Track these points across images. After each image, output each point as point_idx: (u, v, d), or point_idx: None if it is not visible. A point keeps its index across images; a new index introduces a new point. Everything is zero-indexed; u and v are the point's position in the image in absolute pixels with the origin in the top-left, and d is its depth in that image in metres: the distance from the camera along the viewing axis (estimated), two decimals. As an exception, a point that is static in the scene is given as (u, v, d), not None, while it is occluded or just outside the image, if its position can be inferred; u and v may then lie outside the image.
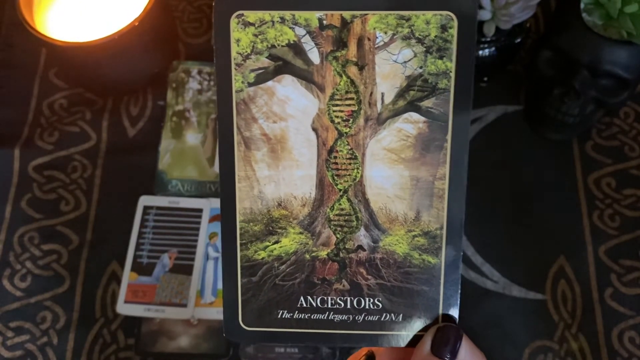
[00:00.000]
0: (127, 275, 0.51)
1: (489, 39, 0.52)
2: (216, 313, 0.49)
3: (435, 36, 0.28)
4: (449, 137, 0.29)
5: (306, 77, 0.29)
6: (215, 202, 0.53)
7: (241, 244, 0.30)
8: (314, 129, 0.29)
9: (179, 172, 0.55)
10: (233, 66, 0.29)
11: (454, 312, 0.30)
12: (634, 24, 0.45)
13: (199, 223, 0.52)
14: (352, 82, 0.29)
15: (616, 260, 0.52)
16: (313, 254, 0.30)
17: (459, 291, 0.30)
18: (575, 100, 0.50)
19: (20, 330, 0.50)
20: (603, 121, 0.57)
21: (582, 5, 0.49)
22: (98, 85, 0.58)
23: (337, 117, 0.29)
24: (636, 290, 0.51)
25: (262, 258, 0.30)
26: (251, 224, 0.30)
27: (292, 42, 0.29)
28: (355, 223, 0.30)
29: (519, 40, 0.54)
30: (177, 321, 0.50)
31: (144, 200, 0.53)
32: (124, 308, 0.50)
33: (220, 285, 0.50)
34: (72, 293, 0.51)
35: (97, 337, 0.50)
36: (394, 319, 0.30)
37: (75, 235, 0.53)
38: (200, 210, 0.53)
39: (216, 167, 0.55)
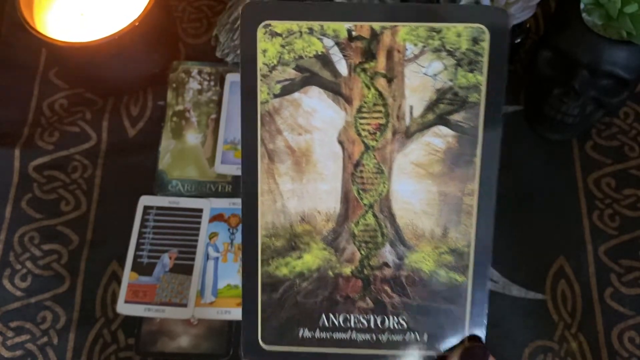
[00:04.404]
0: (128, 275, 0.51)
1: (489, 39, 0.52)
2: (216, 313, 0.49)
3: (466, 49, 0.28)
4: (478, 151, 0.28)
5: (333, 88, 0.29)
6: (215, 202, 0.53)
7: (262, 260, 0.29)
8: (340, 142, 0.29)
9: (179, 172, 0.55)
10: (259, 77, 0.28)
11: (481, 332, 0.29)
12: (634, 24, 0.45)
13: (199, 223, 0.52)
14: (381, 94, 0.29)
15: (616, 260, 0.52)
16: (336, 271, 0.29)
17: (487, 311, 0.29)
18: (575, 100, 0.50)
19: (20, 330, 0.50)
20: (603, 121, 0.57)
21: (582, 6, 0.49)
22: (98, 85, 0.58)
23: (364, 130, 0.29)
24: (636, 290, 0.51)
25: (284, 274, 0.29)
26: (273, 239, 0.29)
27: (319, 53, 0.28)
28: (380, 239, 0.29)
29: (518, 40, 0.54)
30: (177, 321, 0.50)
31: (144, 200, 0.53)
32: (124, 308, 0.50)
33: (220, 285, 0.50)
34: (72, 293, 0.51)
35: (98, 337, 0.50)
36: (418, 338, 0.29)
37: (76, 235, 0.53)
38: (201, 210, 0.53)
39: (216, 167, 0.55)
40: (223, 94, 0.57)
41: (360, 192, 0.29)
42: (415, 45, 0.28)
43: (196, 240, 0.52)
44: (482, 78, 0.28)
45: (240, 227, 0.52)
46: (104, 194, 0.55)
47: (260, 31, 0.28)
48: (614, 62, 0.48)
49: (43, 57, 0.61)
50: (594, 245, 0.52)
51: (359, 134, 0.29)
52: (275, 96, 0.28)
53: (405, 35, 0.28)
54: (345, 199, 0.29)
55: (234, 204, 0.53)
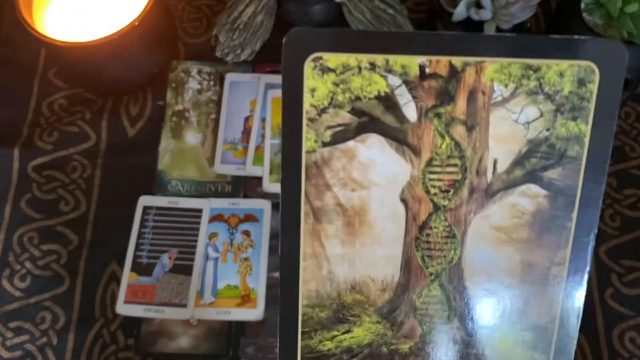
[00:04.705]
0: (127, 276, 0.51)
1: (489, 39, 0.52)
2: (216, 313, 0.49)
3: (570, 92, 0.23)
4: (574, 215, 0.24)
5: (398, 137, 0.24)
6: (215, 202, 0.53)
7: (303, 333, 0.26)
8: (403, 200, 0.25)
9: (179, 172, 0.55)
10: (304, 121, 0.23)
11: None
12: (634, 24, 0.45)
13: (198, 223, 0.52)
14: (458, 144, 0.24)
15: (617, 260, 0.52)
16: (392, 347, 0.26)
17: None
18: (575, 100, 0.50)
19: (19, 331, 0.50)
20: (603, 121, 0.57)
21: (582, 5, 0.49)
22: (98, 85, 0.58)
23: (434, 186, 0.24)
24: (637, 290, 0.51)
25: (329, 349, 0.26)
26: (317, 309, 0.26)
27: (382, 93, 0.24)
28: (447, 313, 0.25)
29: (519, 40, 0.54)
30: (177, 321, 0.50)
31: (144, 200, 0.53)
32: (123, 308, 0.50)
33: (220, 286, 0.50)
34: (71, 293, 0.51)
35: (97, 337, 0.50)
36: None
37: (75, 235, 0.53)
38: (200, 211, 0.53)
39: (216, 167, 0.55)
40: (223, 94, 0.57)
41: (426, 258, 0.25)
42: (506, 86, 0.23)
43: (196, 241, 0.52)
44: (586, 128, 0.23)
45: (239, 227, 0.52)
46: (104, 194, 0.55)
47: (308, 65, 0.23)
48: (615, 62, 0.48)
49: (42, 57, 0.61)
50: (595, 245, 0.52)
51: (428, 192, 0.24)
52: (325, 145, 0.24)
53: (494, 73, 0.23)
54: (407, 266, 0.25)
55: (233, 204, 0.53)
